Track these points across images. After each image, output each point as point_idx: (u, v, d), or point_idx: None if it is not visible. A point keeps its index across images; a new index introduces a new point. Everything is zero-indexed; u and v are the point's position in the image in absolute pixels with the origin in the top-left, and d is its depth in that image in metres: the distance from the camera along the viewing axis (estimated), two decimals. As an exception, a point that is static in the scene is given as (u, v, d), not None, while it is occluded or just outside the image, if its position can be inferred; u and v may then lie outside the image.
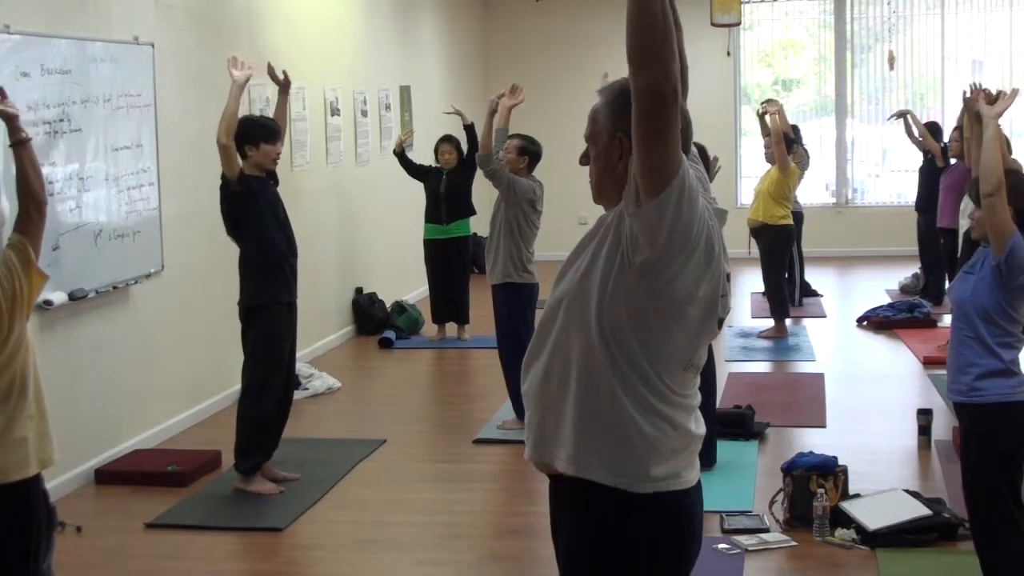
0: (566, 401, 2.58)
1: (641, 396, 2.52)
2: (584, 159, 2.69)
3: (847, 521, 5.35)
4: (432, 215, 10.19)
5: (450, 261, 10.18)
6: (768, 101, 10.54)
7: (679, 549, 2.61)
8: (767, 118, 10.30)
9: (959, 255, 7.78)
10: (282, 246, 6.13)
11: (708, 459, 6.07)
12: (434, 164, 10.29)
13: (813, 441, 6.74)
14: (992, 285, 4.14)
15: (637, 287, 2.49)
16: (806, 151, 11.87)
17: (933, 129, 11.90)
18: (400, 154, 10.28)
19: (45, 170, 6.02)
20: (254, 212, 6.04)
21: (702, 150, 6.46)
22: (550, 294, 2.68)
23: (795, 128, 12.02)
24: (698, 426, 2.64)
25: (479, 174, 10.23)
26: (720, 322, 2.63)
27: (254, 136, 6.09)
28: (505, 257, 7.15)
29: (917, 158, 12.06)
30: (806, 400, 7.94)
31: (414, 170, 10.28)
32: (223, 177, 6.02)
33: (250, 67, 6.24)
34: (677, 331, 2.52)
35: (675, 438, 2.56)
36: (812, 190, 13.81)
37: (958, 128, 10.12)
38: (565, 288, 2.61)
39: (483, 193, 10.75)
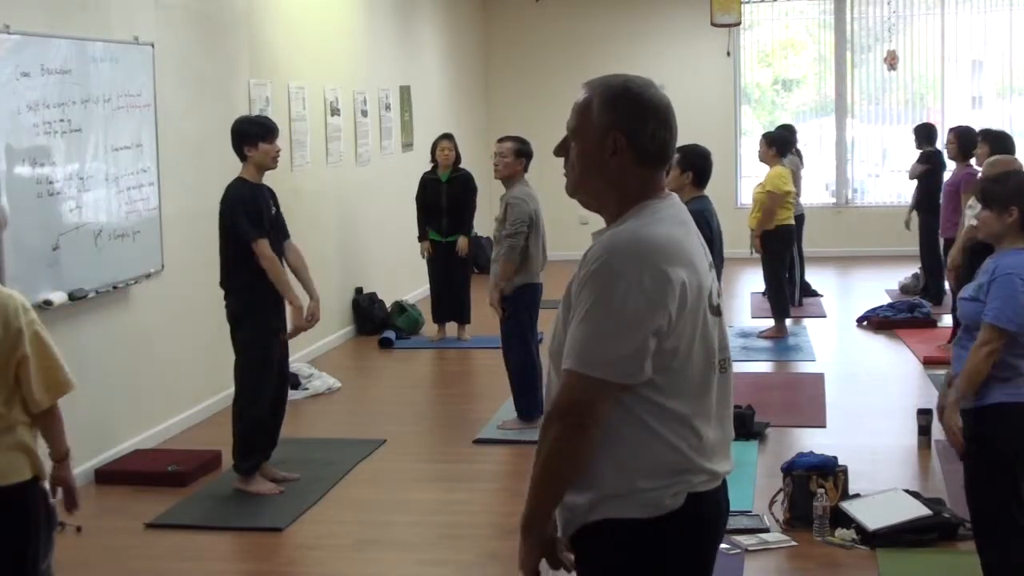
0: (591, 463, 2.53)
1: (661, 434, 2.48)
2: (561, 150, 2.65)
3: (847, 521, 5.35)
4: (433, 223, 10.18)
5: (451, 261, 10.18)
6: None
7: (704, 550, 2.60)
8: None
9: (961, 267, 7.74)
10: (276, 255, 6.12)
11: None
12: (430, 164, 10.28)
13: (813, 441, 6.74)
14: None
15: None
16: (799, 154, 11.84)
17: (927, 131, 11.87)
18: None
19: (45, 170, 6.06)
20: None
21: (704, 155, 6.47)
22: (551, 348, 2.63)
23: (790, 128, 12.01)
24: (725, 464, 2.60)
25: (479, 184, 10.30)
26: (715, 309, 2.59)
27: (251, 136, 6.08)
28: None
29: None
30: (806, 400, 7.94)
31: (421, 197, 10.29)
32: (248, 240, 6.00)
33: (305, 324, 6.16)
34: (681, 344, 2.48)
35: (701, 473, 2.53)
36: (812, 190, 13.81)
37: (953, 130, 10.09)
38: (561, 345, 2.57)
39: (485, 196, 10.74)
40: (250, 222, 6.00)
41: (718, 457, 2.58)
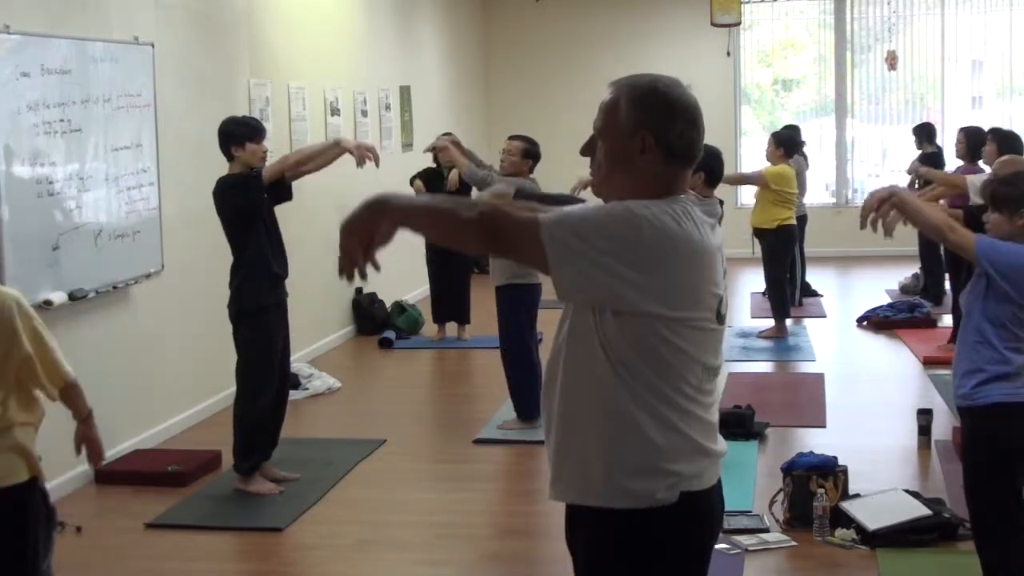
0: (585, 433, 2.55)
1: (661, 415, 2.50)
2: (587, 150, 2.66)
3: (847, 521, 5.35)
4: None
5: (451, 261, 10.18)
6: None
7: (699, 547, 2.61)
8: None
9: (963, 262, 7.72)
10: (272, 248, 6.13)
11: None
12: (432, 164, 10.29)
13: (813, 441, 6.73)
14: (1000, 294, 4.13)
15: (628, 325, 2.48)
16: (804, 155, 11.84)
17: (928, 131, 11.86)
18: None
19: (45, 170, 6.06)
20: (256, 212, 6.05)
21: (716, 155, 6.49)
22: (556, 331, 2.66)
23: (795, 128, 12.01)
24: (718, 443, 2.62)
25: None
26: (721, 318, 2.60)
27: (238, 137, 6.07)
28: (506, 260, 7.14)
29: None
30: (806, 400, 7.94)
31: (428, 174, 10.25)
32: (257, 175, 6.01)
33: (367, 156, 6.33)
34: (681, 342, 2.50)
35: (698, 456, 2.55)
36: (812, 190, 13.81)
37: (963, 130, 10.06)
38: (566, 326, 2.60)
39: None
40: (243, 180, 6.03)
41: (709, 439, 2.60)
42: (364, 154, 6.29)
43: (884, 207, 4.05)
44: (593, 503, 2.56)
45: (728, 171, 7.35)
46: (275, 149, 7.48)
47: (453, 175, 9.72)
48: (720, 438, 2.65)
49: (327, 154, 6.38)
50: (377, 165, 6.40)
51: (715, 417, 2.64)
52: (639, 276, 2.44)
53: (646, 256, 2.44)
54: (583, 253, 2.42)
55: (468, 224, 2.48)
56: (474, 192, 9.73)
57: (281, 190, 6.21)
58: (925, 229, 4.20)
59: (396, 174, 11.30)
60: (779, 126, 12.98)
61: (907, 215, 4.11)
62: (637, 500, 2.51)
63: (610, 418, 2.52)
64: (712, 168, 6.45)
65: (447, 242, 2.61)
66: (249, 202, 6.02)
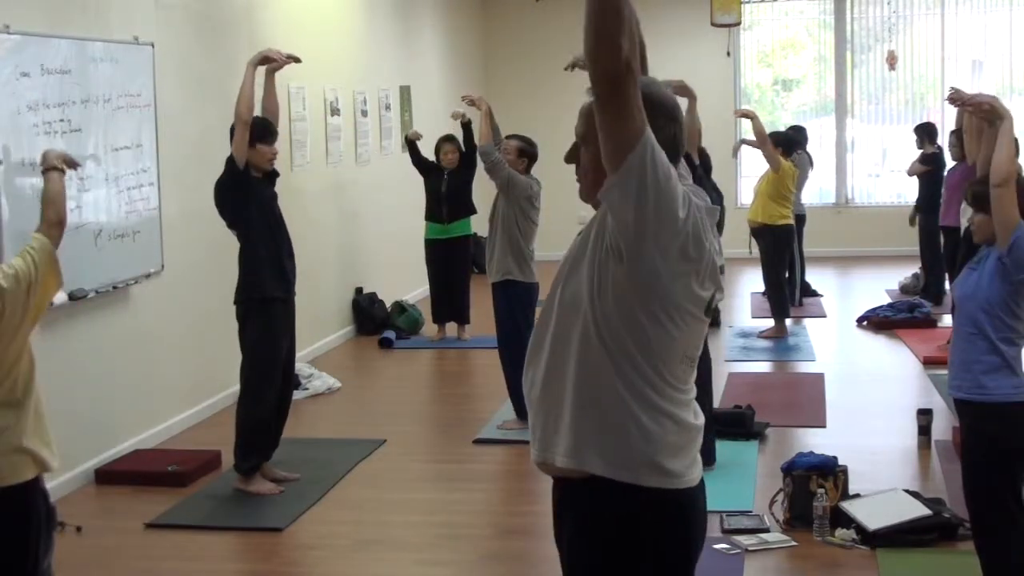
0: (566, 401, 2.60)
1: (640, 391, 2.55)
2: (571, 157, 2.69)
3: (847, 521, 5.35)
4: (433, 214, 10.19)
5: (451, 261, 10.18)
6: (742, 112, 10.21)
7: (685, 549, 2.62)
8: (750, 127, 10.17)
9: (960, 253, 7.72)
10: (277, 243, 6.13)
11: (708, 459, 6.06)
12: (436, 162, 10.30)
13: (813, 441, 6.74)
14: (996, 279, 4.13)
15: (623, 282, 2.51)
16: (809, 155, 11.85)
17: (929, 130, 11.87)
18: (411, 144, 10.26)
19: (45, 170, 6.05)
20: (252, 204, 6.04)
21: (701, 151, 6.51)
22: (547, 296, 2.69)
23: (800, 129, 12.02)
24: (696, 417, 2.66)
25: (479, 173, 10.29)
26: (709, 310, 2.63)
27: (249, 136, 6.07)
28: (504, 255, 7.17)
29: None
30: (806, 400, 7.94)
31: (419, 162, 10.26)
32: (229, 161, 5.99)
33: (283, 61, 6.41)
34: (669, 325, 2.54)
35: (676, 432, 2.59)
36: (812, 190, 13.82)
37: (955, 131, 10.05)
38: (558, 291, 2.64)
39: (483, 192, 10.74)
40: (225, 174, 6.01)
41: (689, 415, 2.63)
42: (282, 59, 6.32)
43: (983, 114, 4.04)
44: (581, 469, 2.58)
45: (727, 172, 7.35)
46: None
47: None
48: (698, 410, 2.69)
49: (267, 87, 6.37)
50: (299, 61, 6.57)
51: (693, 395, 2.68)
52: (664, 242, 2.48)
53: (671, 233, 2.49)
54: (653, 188, 2.44)
55: (615, 47, 2.36)
56: (479, 173, 9.72)
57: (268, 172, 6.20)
58: (996, 156, 4.09)
59: (396, 174, 11.33)
60: (779, 126, 13.03)
61: (996, 133, 4.09)
62: (628, 475, 2.55)
63: (602, 399, 2.56)
64: (704, 164, 6.49)
65: (593, 22, 2.38)
66: (240, 188, 5.98)
